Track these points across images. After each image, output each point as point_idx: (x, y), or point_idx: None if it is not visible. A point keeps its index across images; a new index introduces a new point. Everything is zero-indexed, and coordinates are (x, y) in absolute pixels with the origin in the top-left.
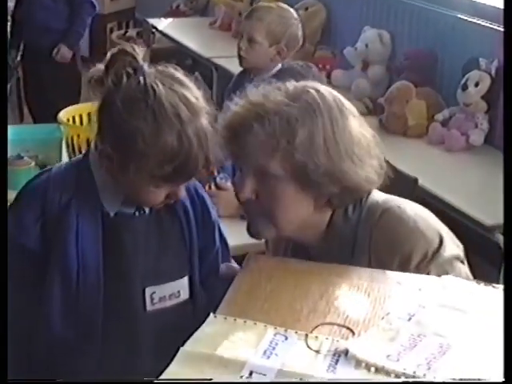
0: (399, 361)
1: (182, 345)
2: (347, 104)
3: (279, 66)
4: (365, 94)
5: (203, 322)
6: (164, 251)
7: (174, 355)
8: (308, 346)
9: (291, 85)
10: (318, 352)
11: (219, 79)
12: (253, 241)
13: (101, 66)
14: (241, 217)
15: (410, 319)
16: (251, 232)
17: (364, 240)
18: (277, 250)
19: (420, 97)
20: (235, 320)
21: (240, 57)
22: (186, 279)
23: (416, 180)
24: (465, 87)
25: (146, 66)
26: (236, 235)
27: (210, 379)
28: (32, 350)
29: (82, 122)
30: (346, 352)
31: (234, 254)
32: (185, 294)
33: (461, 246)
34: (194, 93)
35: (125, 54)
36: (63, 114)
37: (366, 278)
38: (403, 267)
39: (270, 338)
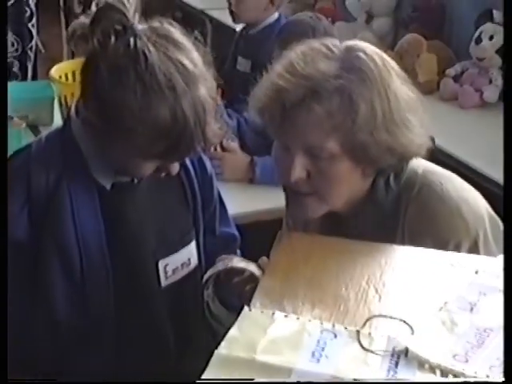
0: (468, 362)
1: (218, 345)
2: (391, 61)
3: (275, 15)
4: None
5: None
6: (169, 217)
7: (209, 359)
8: (362, 346)
9: (334, 47)
10: (373, 352)
11: (214, 34)
12: (263, 207)
13: (85, 20)
14: (249, 180)
15: (471, 309)
16: (299, 213)
17: (399, 213)
18: (297, 224)
19: (430, 50)
20: (273, 314)
21: (232, 12)
22: (193, 244)
23: (433, 139)
24: (479, 40)
25: (137, 23)
26: (244, 202)
27: None
28: (38, 348)
29: (75, 79)
30: (406, 351)
31: (243, 222)
32: (194, 261)
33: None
34: (193, 57)
35: (112, 9)
36: (55, 71)
37: (414, 258)
38: None
39: (317, 336)
